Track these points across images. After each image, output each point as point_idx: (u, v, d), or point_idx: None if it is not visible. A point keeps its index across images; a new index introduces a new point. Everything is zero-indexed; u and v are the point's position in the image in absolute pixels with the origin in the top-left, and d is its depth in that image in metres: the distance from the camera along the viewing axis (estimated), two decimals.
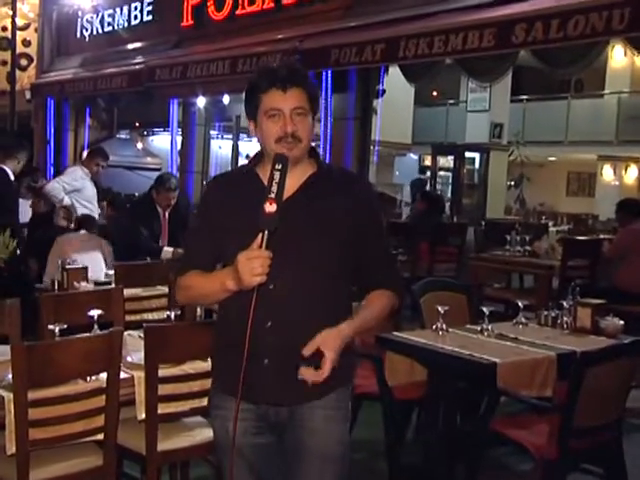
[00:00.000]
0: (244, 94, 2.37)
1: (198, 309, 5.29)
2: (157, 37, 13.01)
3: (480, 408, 3.84)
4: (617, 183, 20.05)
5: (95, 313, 3.49)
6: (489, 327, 4.01)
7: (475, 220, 11.94)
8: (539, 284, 6.92)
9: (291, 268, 2.27)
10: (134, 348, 3.51)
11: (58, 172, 15.38)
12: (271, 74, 2.29)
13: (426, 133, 19.08)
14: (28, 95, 15.73)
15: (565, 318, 4.26)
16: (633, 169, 20.18)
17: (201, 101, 12.06)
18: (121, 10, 14.30)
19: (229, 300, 2.29)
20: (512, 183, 16.75)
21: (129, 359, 3.37)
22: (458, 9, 7.95)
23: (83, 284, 5.09)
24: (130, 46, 13.79)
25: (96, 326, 3.53)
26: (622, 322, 4.20)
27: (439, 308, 3.98)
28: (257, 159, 2.43)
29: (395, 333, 4.04)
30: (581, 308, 4.26)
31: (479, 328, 4.02)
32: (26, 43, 16.77)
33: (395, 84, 9.96)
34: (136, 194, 13.84)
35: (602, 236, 8.89)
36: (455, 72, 14.88)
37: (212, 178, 2.68)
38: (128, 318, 4.92)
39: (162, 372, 3.23)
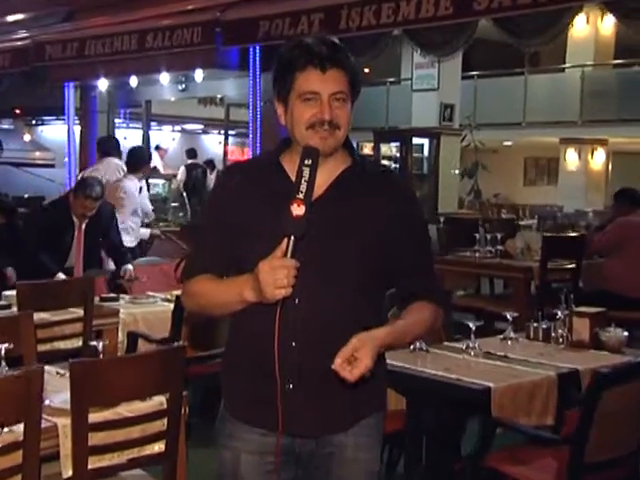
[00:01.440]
0: (274, 70, 2.34)
1: (120, 334, 5.17)
2: (44, 7, 12.66)
3: (472, 442, 3.78)
4: (582, 169, 20.39)
5: (2, 347, 3.31)
6: (476, 344, 3.96)
7: (429, 216, 11.95)
8: (516, 289, 6.94)
9: (319, 280, 2.27)
10: (53, 388, 3.33)
11: None
12: (308, 50, 2.27)
13: (364, 117, 18.96)
14: None
15: (560, 331, 4.24)
16: (600, 153, 20.54)
17: (103, 84, 11.77)
18: None
19: (245, 313, 2.30)
20: (459, 172, 16.88)
21: (48, 403, 3.18)
22: None
23: None
24: (10, 18, 13.36)
25: (3, 363, 3.34)
26: (626, 333, 4.20)
27: None
28: (282, 147, 2.41)
29: None
30: (577, 318, 4.25)
31: (463, 346, 3.97)
32: None
33: None
34: (25, 196, 13.50)
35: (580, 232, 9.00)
36: (395, 45, 15.04)
37: (226, 167, 2.61)
38: (38, 349, 4.73)
39: (93, 417, 3.05)
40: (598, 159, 20.55)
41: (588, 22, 18.08)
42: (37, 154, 16.49)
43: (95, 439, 3.06)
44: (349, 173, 2.37)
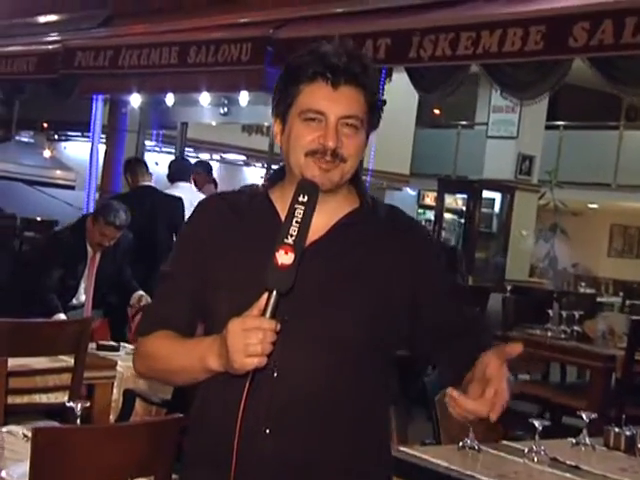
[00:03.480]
0: (278, 79, 2.14)
1: (115, 391, 4.90)
2: (80, 10, 12.70)
3: None
4: None
5: None
6: (541, 448, 3.60)
7: (495, 282, 11.59)
8: (593, 381, 6.56)
9: (306, 348, 2.02)
10: (14, 455, 3.06)
11: None
12: (321, 59, 2.05)
13: (429, 162, 18.88)
14: None
15: None
16: None
17: (135, 99, 11.67)
18: None
19: (210, 385, 2.05)
20: (534, 234, 16.54)
21: (4, 475, 2.90)
22: None
23: None
24: (42, 19, 13.44)
25: None
26: None
27: None
28: (274, 178, 2.20)
29: (401, 449, 3.63)
30: None
31: (526, 449, 3.61)
32: None
33: (394, 95, 9.66)
34: (38, 219, 13.40)
35: None
36: (471, 84, 14.82)
37: (204, 198, 2.36)
38: (11, 401, 4.47)
39: None
40: None
41: None
42: (57, 173, 16.45)
43: None
44: (355, 217, 2.13)
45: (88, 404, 3.26)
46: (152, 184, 8.60)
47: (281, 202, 2.10)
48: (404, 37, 7.80)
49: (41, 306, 5.94)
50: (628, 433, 4.03)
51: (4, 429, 3.39)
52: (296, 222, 1.89)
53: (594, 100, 19.00)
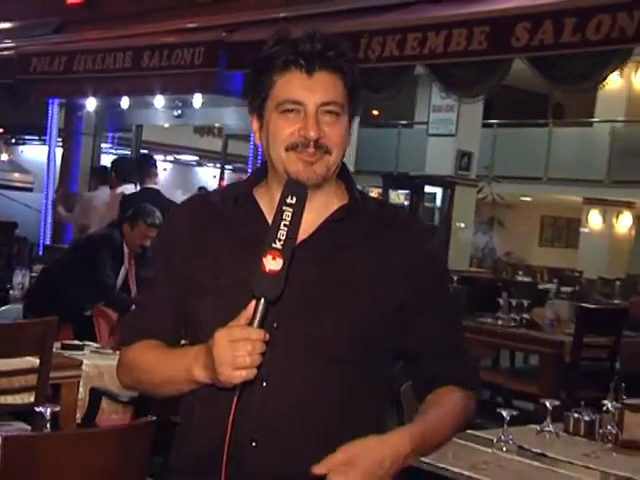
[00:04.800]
0: (248, 73, 1.90)
1: (81, 390, 4.66)
2: (33, 16, 12.40)
3: None
4: (606, 233, 20.02)
5: None
6: (509, 438, 3.45)
7: None
8: (543, 366, 6.43)
9: (295, 357, 1.80)
10: None
11: None
12: (292, 46, 1.81)
13: (372, 160, 18.75)
14: None
15: (609, 427, 3.73)
16: (626, 216, 20.22)
17: (91, 103, 11.41)
18: None
19: (194, 396, 1.83)
20: (473, 226, 16.49)
21: None
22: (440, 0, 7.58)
23: None
24: None
25: None
26: None
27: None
28: (257, 177, 1.95)
29: None
30: (630, 413, 3.73)
31: (494, 438, 3.45)
32: None
33: None
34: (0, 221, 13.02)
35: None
36: (410, 85, 14.69)
37: (183, 200, 2.11)
38: None
39: None
40: (624, 223, 20.19)
41: (622, 75, 17.77)
42: (15, 176, 16.08)
43: None
44: (343, 214, 1.89)
45: (58, 408, 3.04)
46: (157, 187, 8.26)
47: (266, 201, 1.90)
48: (353, 39, 7.61)
49: (108, 301, 5.85)
50: (587, 418, 3.91)
51: None
52: (284, 225, 1.67)
53: (524, 99, 19.11)
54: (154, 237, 6.16)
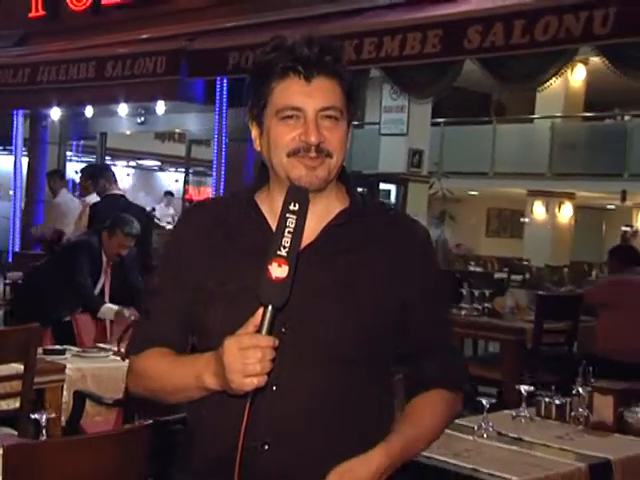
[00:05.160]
0: (247, 79, 1.81)
1: (65, 393, 4.55)
2: None
3: None
4: (550, 222, 20.15)
5: None
6: (489, 425, 3.42)
7: None
8: (507, 353, 6.42)
9: (304, 360, 1.74)
10: None
11: None
12: (290, 52, 1.74)
13: None
14: None
15: (580, 409, 3.72)
16: (567, 207, 20.35)
17: (55, 113, 11.24)
18: None
19: (205, 402, 1.76)
20: (426, 221, 16.54)
21: None
22: (394, 5, 7.54)
23: None
24: None
25: None
26: None
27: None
28: (259, 182, 1.88)
29: None
30: (599, 395, 3.73)
31: (475, 426, 3.42)
32: None
33: None
34: None
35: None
36: (360, 88, 14.58)
37: (187, 208, 2.03)
38: None
39: None
40: (565, 213, 20.34)
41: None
42: None
43: None
44: (346, 217, 1.83)
45: (53, 415, 2.95)
46: (121, 192, 8.16)
47: (268, 207, 1.84)
48: None
49: (83, 302, 5.74)
50: (558, 402, 3.90)
51: None
52: (288, 232, 1.61)
53: (468, 99, 19.13)
54: (129, 247, 6.04)
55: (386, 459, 1.72)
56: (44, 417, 2.83)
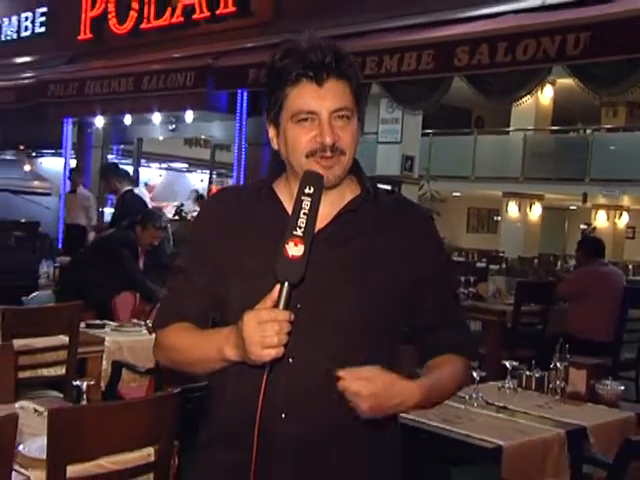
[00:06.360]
0: (265, 83, 1.66)
1: (104, 363, 4.43)
2: (50, 51, 12.10)
3: None
4: (522, 220, 20.05)
5: None
6: (479, 395, 3.29)
7: None
8: (490, 331, 6.30)
9: (320, 334, 1.61)
10: (30, 430, 2.59)
11: None
12: (301, 58, 1.59)
13: None
14: None
15: (557, 382, 3.59)
16: (537, 207, 20.25)
17: (99, 121, 11.10)
18: (9, 20, 13.21)
19: (226, 373, 1.64)
20: None
21: (22, 449, 2.44)
22: (393, 29, 7.38)
23: None
24: (19, 60, 12.77)
25: None
26: (622, 387, 3.58)
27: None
28: (276, 172, 1.74)
29: None
30: (574, 370, 3.61)
31: (466, 396, 3.29)
32: None
33: None
34: (22, 220, 12.69)
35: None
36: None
37: (211, 196, 1.90)
38: (19, 375, 3.99)
39: (71, 470, 2.32)
40: (535, 212, 20.24)
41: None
42: (36, 183, 15.60)
43: None
44: (358, 204, 1.70)
45: (93, 382, 2.83)
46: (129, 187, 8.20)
47: (285, 194, 1.72)
48: None
49: (139, 290, 5.51)
50: (537, 375, 3.77)
51: (17, 405, 2.93)
52: (304, 214, 1.51)
53: (453, 113, 19.02)
54: (160, 237, 5.90)
55: (418, 395, 1.58)
56: (85, 384, 2.71)
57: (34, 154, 16.75)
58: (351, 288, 1.64)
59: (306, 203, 1.51)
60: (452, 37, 6.66)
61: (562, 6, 6.53)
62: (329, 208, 1.67)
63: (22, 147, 16.03)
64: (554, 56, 6.03)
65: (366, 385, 1.49)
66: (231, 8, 9.37)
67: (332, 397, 1.58)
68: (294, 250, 1.48)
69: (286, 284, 1.49)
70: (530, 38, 6.14)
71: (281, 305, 1.49)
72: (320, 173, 1.58)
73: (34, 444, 2.46)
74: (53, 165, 16.01)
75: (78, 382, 2.70)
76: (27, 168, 16.06)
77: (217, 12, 9.51)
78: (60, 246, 10.98)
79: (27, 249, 9.70)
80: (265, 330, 1.46)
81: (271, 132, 1.72)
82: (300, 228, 1.49)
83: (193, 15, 9.77)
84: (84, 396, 2.70)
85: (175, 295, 1.79)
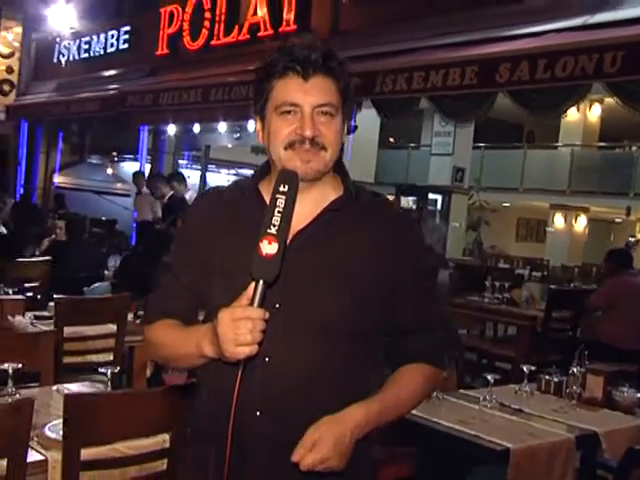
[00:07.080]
0: (255, 80, 1.60)
1: (148, 366, 4.37)
2: (132, 65, 12.29)
3: None
4: (567, 231, 19.53)
5: (10, 366, 2.54)
6: (493, 397, 3.12)
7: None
8: (521, 335, 6.06)
9: (296, 334, 1.50)
10: (58, 412, 2.53)
11: (28, 192, 14.42)
12: (289, 53, 1.51)
13: (388, 174, 18.51)
14: (2, 117, 14.81)
15: (575, 387, 3.39)
16: (582, 218, 19.68)
17: (172, 129, 11.18)
18: (98, 37, 13.48)
19: (206, 369, 1.55)
20: (465, 225, 16.11)
21: (48, 432, 2.39)
22: (439, 46, 7.20)
23: (18, 318, 4.11)
24: (105, 73, 13.04)
25: (10, 383, 2.58)
26: (639, 395, 3.36)
27: None
28: (263, 171, 1.64)
29: None
30: (592, 376, 3.41)
31: (481, 397, 3.13)
32: (9, 70, 15.73)
33: (362, 123, 9.18)
34: (103, 218, 12.90)
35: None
36: (417, 117, 14.30)
37: (199, 195, 1.81)
38: (70, 360, 3.99)
39: (86, 453, 2.26)
40: (580, 223, 19.68)
41: (578, 110, 17.30)
42: (117, 185, 15.85)
43: (87, 478, 2.26)
44: (339, 204, 1.59)
45: (117, 369, 2.76)
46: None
47: (269, 192, 1.58)
48: (370, 77, 7.29)
49: None
50: (556, 380, 3.57)
51: (54, 388, 2.90)
52: (278, 212, 1.41)
53: (504, 128, 18.67)
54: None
55: (363, 419, 1.48)
56: (109, 371, 2.64)
57: (116, 159, 17.03)
58: (331, 288, 1.52)
59: (280, 201, 1.41)
60: (494, 54, 6.45)
61: (603, 25, 6.29)
62: (311, 208, 1.56)
63: (114, 153, 16.36)
64: (592, 73, 5.77)
65: (318, 451, 1.42)
66: (292, 26, 9.32)
67: (308, 399, 1.48)
68: (268, 248, 1.38)
69: (261, 282, 1.39)
70: (569, 56, 5.90)
71: (256, 303, 1.38)
72: (295, 171, 1.47)
73: (58, 426, 2.41)
74: (132, 169, 16.27)
75: (103, 369, 2.64)
76: (110, 171, 16.34)
77: (280, 30, 9.46)
78: (133, 242, 11.11)
79: (103, 244, 9.84)
80: (238, 327, 1.36)
81: (257, 125, 1.63)
82: (274, 226, 1.39)
83: (258, 33, 9.74)
84: (109, 383, 2.64)
85: (162, 293, 1.70)
